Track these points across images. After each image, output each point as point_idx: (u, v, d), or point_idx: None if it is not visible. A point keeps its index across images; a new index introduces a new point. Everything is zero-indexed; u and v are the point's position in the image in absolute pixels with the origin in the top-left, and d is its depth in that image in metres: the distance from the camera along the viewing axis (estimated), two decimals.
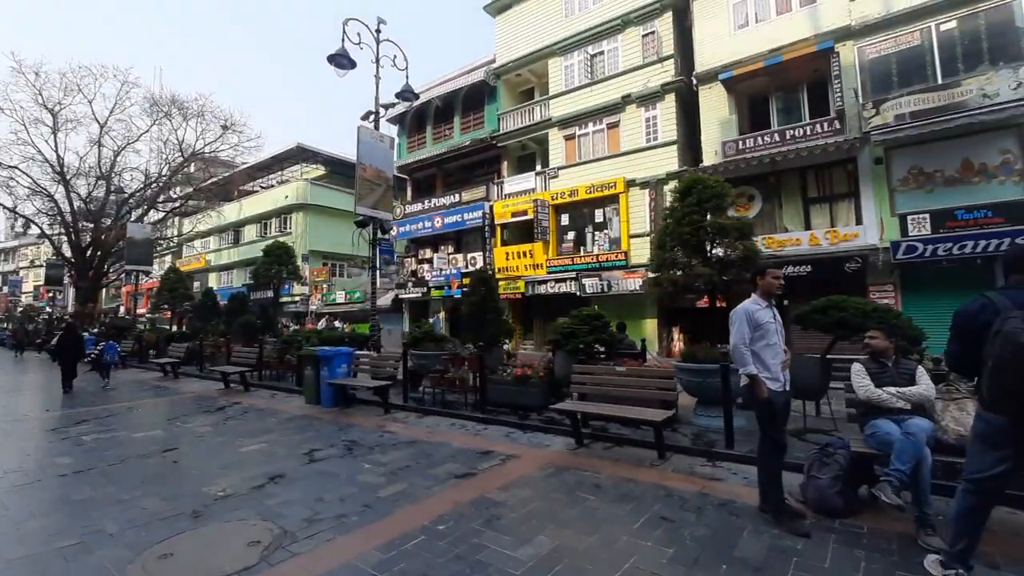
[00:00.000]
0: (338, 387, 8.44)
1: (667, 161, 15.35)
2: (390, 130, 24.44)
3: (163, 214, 27.43)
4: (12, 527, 3.87)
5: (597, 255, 16.23)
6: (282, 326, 17.29)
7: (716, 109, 14.59)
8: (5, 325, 43.20)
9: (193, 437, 6.78)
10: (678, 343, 15.14)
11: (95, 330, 17.48)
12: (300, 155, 31.51)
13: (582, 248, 17.05)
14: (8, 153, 23.47)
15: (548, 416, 6.76)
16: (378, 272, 22.89)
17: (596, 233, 16.84)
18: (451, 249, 21.25)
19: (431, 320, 20.78)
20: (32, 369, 18.23)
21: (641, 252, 15.30)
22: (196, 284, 31.23)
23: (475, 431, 6.74)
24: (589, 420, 6.31)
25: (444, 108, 22.48)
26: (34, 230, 27.15)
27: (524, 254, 18.12)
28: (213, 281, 33.64)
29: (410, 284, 21.85)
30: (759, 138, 13.36)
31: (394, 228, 22.40)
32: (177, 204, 27.82)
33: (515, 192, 18.86)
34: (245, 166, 28.99)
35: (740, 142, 13.59)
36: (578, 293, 16.25)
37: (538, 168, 19.16)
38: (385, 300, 23.40)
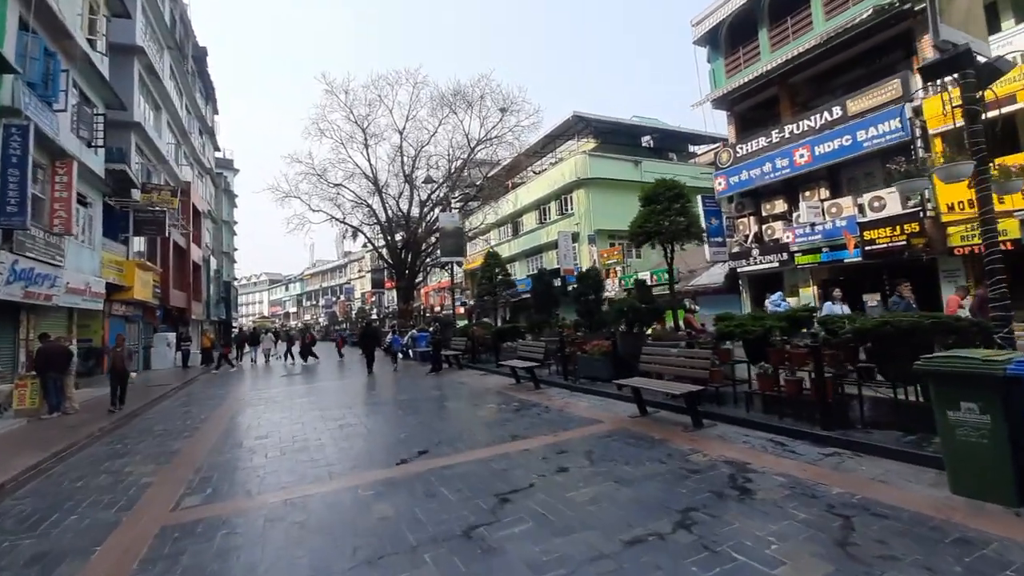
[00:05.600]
0: None
1: None
2: (697, 54, 18.92)
3: (456, 209, 27.71)
4: None
5: None
6: (687, 310, 13.18)
7: None
8: (345, 326, 53.65)
9: None
10: None
11: (430, 328, 16.78)
12: (575, 127, 28.65)
13: None
14: (334, 172, 26.30)
15: None
16: (706, 238, 17.77)
17: None
18: (825, 192, 14.55)
19: (781, 301, 14.44)
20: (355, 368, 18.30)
21: None
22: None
23: None
24: None
25: None
26: (361, 239, 30.60)
27: None
28: None
29: (755, 252, 15.93)
30: None
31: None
32: (466, 201, 27.71)
33: None
34: (524, 149, 27.32)
35: None
36: None
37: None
38: (714, 276, 18.06)
